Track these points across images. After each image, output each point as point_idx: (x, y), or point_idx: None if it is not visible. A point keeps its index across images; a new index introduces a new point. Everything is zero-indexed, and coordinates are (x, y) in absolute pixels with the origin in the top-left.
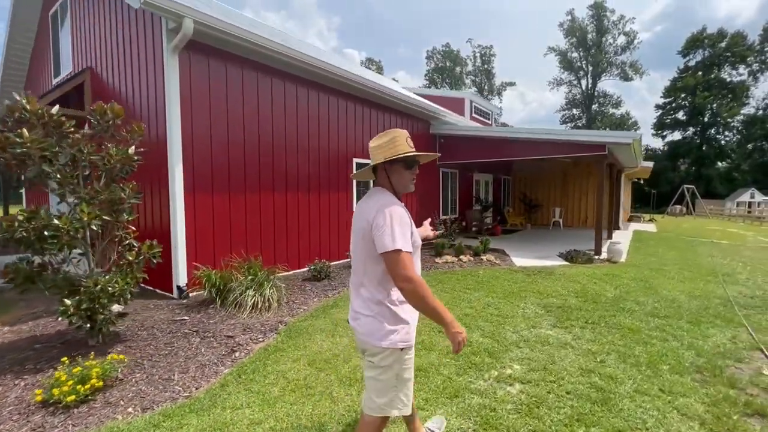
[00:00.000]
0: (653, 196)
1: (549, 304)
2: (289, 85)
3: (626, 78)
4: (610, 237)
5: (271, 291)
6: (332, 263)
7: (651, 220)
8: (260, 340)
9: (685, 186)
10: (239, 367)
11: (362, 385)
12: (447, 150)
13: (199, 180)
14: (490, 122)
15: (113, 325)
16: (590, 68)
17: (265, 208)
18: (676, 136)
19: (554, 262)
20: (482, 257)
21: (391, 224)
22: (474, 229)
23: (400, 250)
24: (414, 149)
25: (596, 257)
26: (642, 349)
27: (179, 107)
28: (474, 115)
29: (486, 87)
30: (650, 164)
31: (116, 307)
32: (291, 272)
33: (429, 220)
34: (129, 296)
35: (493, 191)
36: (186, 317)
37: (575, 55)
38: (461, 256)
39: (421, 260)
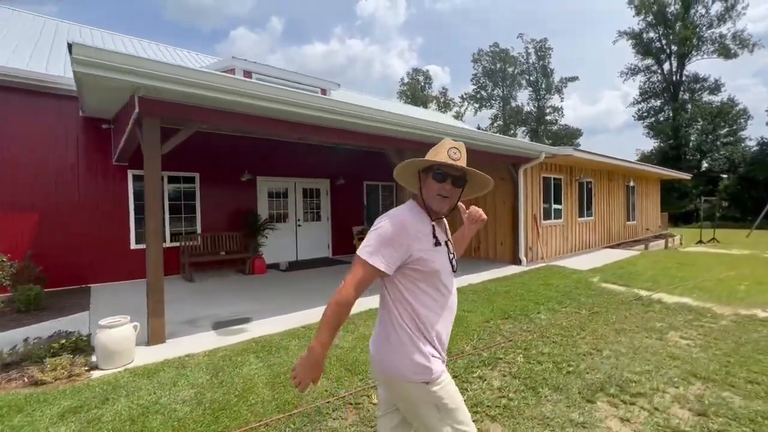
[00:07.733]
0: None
1: None
2: None
3: (727, 55)
4: None
5: None
6: None
7: (705, 242)
8: None
9: None
10: None
11: None
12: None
13: None
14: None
15: None
16: (674, 48)
17: None
18: None
19: None
20: None
21: (373, 235)
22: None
23: (361, 260)
24: (455, 161)
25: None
26: None
27: None
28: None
29: (543, 85)
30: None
31: None
32: None
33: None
34: None
35: (332, 204)
36: None
37: (652, 35)
38: None
39: None
